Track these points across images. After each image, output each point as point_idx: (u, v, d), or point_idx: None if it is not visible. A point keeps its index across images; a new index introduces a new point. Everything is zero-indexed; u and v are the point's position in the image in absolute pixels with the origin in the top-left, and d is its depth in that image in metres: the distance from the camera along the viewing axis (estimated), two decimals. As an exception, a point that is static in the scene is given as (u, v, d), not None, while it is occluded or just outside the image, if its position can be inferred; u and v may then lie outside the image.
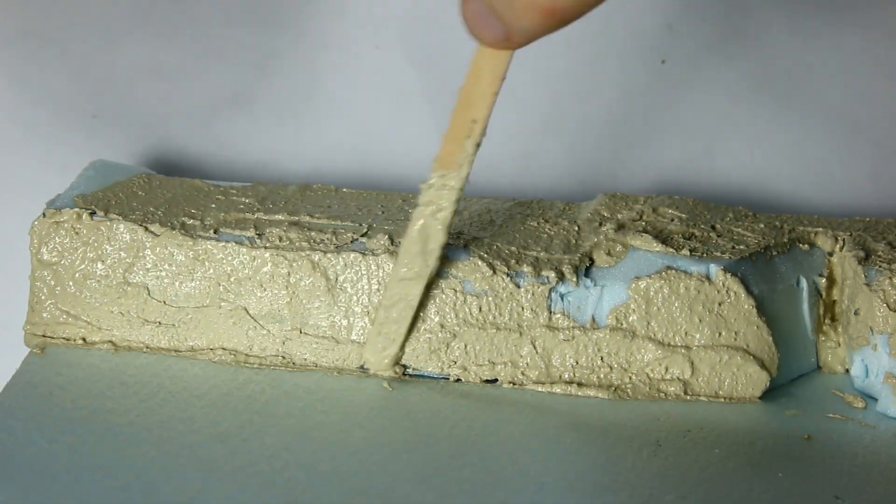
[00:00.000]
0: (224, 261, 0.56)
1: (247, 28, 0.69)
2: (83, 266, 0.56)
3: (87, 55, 0.68)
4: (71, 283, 0.56)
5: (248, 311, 0.56)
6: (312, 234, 0.56)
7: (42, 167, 0.67)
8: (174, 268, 0.56)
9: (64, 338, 0.56)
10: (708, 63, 0.70)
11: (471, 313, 0.55)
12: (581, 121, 0.70)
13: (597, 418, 0.53)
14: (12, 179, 0.67)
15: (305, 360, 0.55)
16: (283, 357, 0.56)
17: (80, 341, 0.56)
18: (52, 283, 0.56)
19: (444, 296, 0.55)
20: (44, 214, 0.56)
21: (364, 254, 0.55)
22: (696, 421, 0.53)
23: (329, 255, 0.55)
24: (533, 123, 0.70)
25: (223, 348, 0.56)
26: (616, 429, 0.52)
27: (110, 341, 0.56)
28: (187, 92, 0.69)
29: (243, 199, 0.59)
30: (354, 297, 0.55)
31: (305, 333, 0.55)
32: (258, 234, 0.56)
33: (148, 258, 0.56)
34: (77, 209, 0.56)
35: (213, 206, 0.58)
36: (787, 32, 0.69)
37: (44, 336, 0.56)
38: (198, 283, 0.56)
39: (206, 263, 0.56)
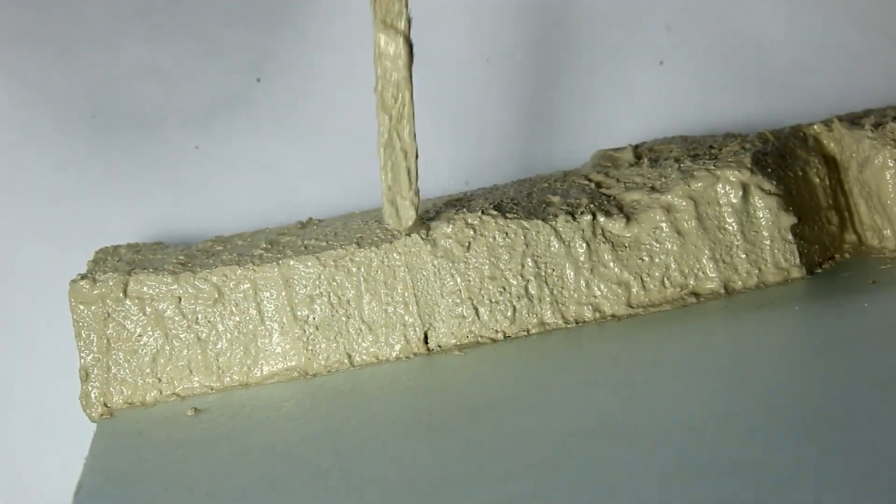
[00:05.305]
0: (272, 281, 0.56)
1: (246, 28, 0.69)
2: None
3: (86, 55, 0.68)
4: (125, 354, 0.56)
5: (306, 322, 0.56)
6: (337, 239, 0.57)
7: (41, 167, 0.67)
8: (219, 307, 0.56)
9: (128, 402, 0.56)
10: (706, 64, 0.70)
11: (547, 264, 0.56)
12: (579, 122, 0.70)
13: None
14: (11, 179, 0.67)
15: (364, 359, 0.56)
16: (348, 358, 0.56)
17: (146, 400, 0.56)
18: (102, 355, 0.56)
19: (506, 257, 0.56)
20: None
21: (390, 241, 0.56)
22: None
23: (364, 250, 0.56)
24: (531, 124, 0.70)
25: (287, 368, 0.56)
26: None
27: (175, 394, 0.56)
28: (186, 92, 0.69)
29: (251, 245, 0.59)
30: (398, 286, 0.56)
31: (363, 332, 0.56)
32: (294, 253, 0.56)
33: (186, 307, 0.56)
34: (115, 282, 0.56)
35: (226, 255, 0.58)
36: (787, 32, 0.70)
37: (105, 405, 0.56)
38: (239, 315, 0.56)
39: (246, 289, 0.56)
